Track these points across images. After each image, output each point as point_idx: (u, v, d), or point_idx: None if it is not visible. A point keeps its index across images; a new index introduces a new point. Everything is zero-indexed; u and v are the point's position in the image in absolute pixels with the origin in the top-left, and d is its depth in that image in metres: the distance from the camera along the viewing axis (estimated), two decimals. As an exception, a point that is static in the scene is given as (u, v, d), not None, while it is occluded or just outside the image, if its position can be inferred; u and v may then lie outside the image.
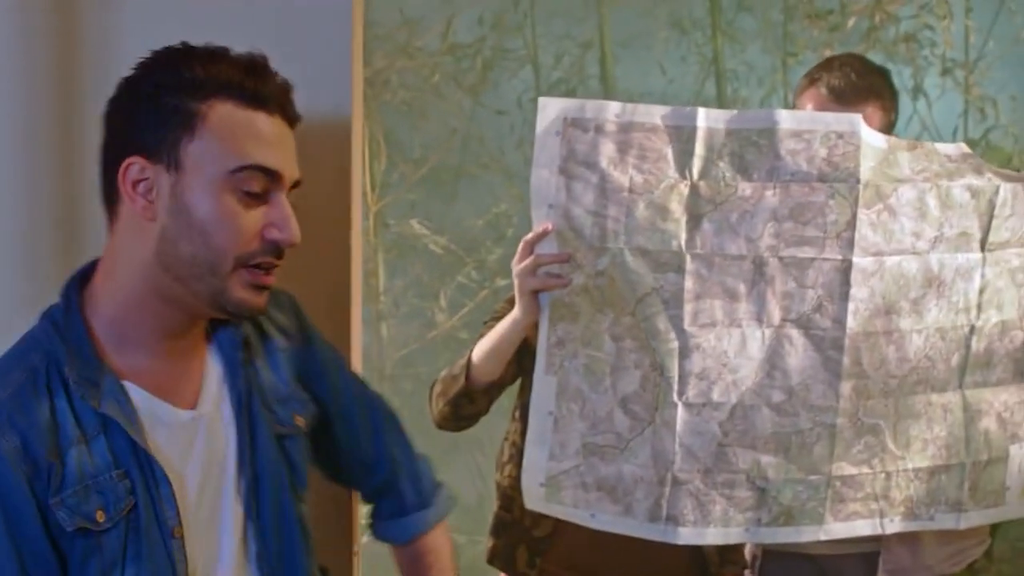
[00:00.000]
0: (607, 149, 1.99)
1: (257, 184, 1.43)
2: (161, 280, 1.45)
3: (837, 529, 2.10)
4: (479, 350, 2.20)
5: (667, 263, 2.00)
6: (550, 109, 2.01)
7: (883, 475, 2.09)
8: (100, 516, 1.40)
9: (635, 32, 4.35)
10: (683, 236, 2.00)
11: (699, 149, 2.00)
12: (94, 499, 1.40)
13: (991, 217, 2.07)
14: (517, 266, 2.03)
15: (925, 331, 2.07)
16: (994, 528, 3.82)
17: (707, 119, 2.01)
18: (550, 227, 2.00)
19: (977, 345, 2.11)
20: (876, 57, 4.49)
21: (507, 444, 2.37)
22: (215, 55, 1.45)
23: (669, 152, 2.00)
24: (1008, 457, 2.17)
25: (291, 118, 1.50)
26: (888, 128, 2.36)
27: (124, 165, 1.44)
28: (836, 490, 2.08)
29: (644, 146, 2.00)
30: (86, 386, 1.42)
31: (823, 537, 2.10)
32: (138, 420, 1.44)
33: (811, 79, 2.36)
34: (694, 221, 2.00)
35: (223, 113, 1.42)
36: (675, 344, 2.02)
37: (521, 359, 2.22)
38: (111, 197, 1.47)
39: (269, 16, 1.88)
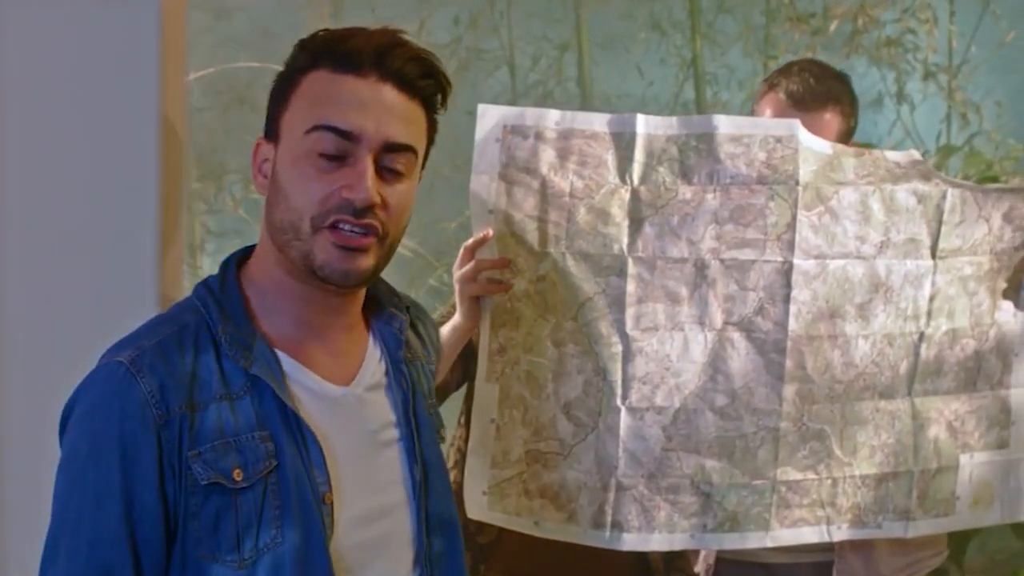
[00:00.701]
0: (547, 155, 1.98)
1: (331, 145, 1.42)
2: (276, 253, 1.48)
3: (784, 536, 2.08)
4: None
5: (609, 267, 1.99)
6: (489, 116, 2.00)
7: (829, 481, 2.07)
8: (238, 475, 1.39)
9: (614, 34, 4.34)
10: (624, 240, 1.98)
11: (639, 155, 1.99)
12: (232, 457, 1.39)
13: (940, 223, 2.05)
14: (457, 271, 2.01)
15: (872, 337, 2.05)
16: (967, 539, 3.79)
17: (646, 125, 2.00)
18: (490, 232, 1.99)
19: (927, 353, 2.09)
20: (859, 61, 4.47)
21: (452, 450, 2.34)
22: (328, 30, 1.47)
23: (609, 158, 1.99)
24: (959, 467, 2.15)
25: (408, 85, 1.46)
26: (848, 134, 2.33)
27: (253, 148, 1.51)
28: (781, 496, 2.05)
29: (584, 152, 1.99)
30: (238, 348, 1.44)
31: (770, 544, 2.08)
32: (287, 385, 1.45)
33: (770, 84, 2.34)
34: (635, 225, 1.99)
35: (313, 80, 1.44)
36: (618, 348, 2.00)
37: (467, 365, 2.20)
38: None
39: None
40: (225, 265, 1.53)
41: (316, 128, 1.42)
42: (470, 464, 2.05)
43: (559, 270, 1.99)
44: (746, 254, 1.99)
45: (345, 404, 1.51)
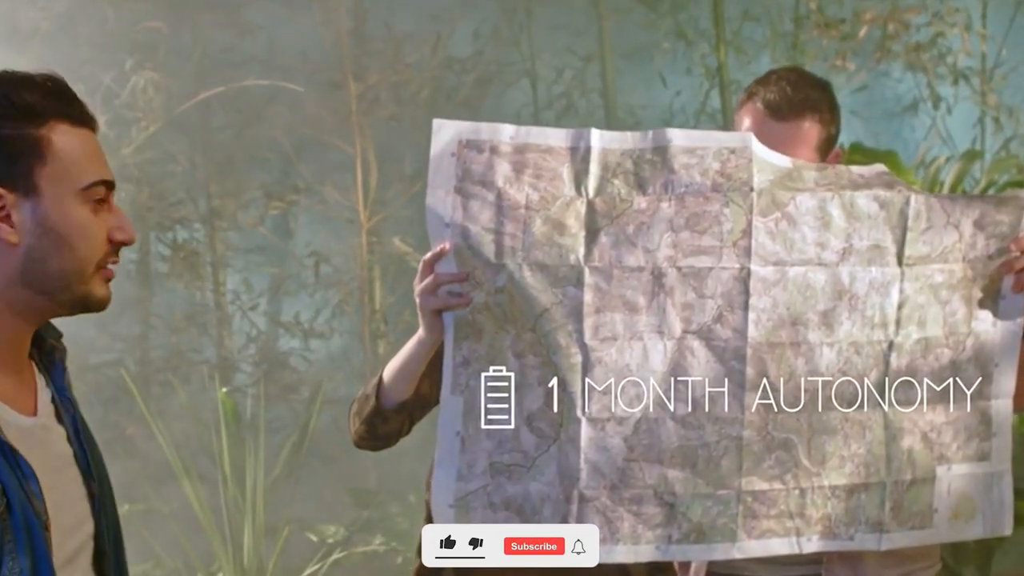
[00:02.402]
0: (503, 169, 1.99)
1: (101, 194, 1.62)
2: (21, 296, 1.58)
3: (752, 547, 2.06)
4: (389, 370, 2.20)
5: (565, 277, 1.99)
6: (445, 131, 2.02)
7: (797, 491, 2.05)
8: None
9: (638, 44, 4.32)
10: (581, 250, 1.99)
11: (594, 168, 1.99)
12: None
13: (905, 229, 2.02)
14: (418, 286, 2.03)
15: (837, 345, 2.02)
16: (992, 549, 3.70)
17: (601, 140, 2.01)
18: (447, 246, 2.00)
19: (897, 362, 2.06)
20: (892, 67, 4.41)
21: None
22: (35, 80, 1.59)
23: (564, 171, 2.00)
24: (936, 479, 2.10)
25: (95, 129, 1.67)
26: (829, 142, 2.30)
27: None
28: (748, 506, 2.03)
29: (539, 165, 2.00)
30: None
31: (737, 555, 2.06)
32: None
33: (749, 94, 2.32)
34: (591, 235, 1.99)
35: (62, 134, 1.58)
36: (577, 359, 2.00)
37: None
38: None
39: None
40: None
41: (95, 184, 1.59)
42: (437, 477, 2.06)
43: (516, 281, 1.99)
44: (703, 261, 1.98)
45: (37, 433, 1.61)
